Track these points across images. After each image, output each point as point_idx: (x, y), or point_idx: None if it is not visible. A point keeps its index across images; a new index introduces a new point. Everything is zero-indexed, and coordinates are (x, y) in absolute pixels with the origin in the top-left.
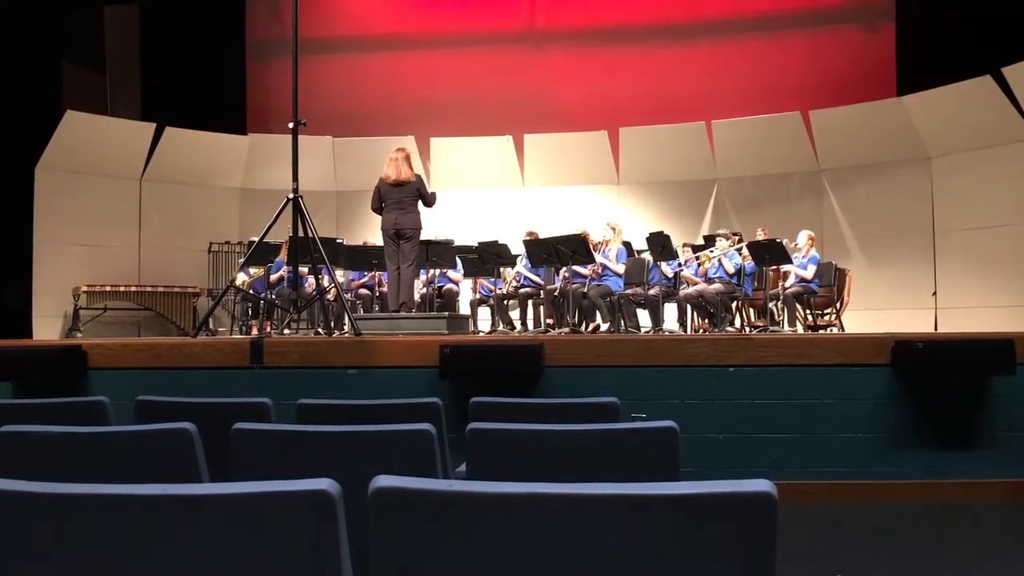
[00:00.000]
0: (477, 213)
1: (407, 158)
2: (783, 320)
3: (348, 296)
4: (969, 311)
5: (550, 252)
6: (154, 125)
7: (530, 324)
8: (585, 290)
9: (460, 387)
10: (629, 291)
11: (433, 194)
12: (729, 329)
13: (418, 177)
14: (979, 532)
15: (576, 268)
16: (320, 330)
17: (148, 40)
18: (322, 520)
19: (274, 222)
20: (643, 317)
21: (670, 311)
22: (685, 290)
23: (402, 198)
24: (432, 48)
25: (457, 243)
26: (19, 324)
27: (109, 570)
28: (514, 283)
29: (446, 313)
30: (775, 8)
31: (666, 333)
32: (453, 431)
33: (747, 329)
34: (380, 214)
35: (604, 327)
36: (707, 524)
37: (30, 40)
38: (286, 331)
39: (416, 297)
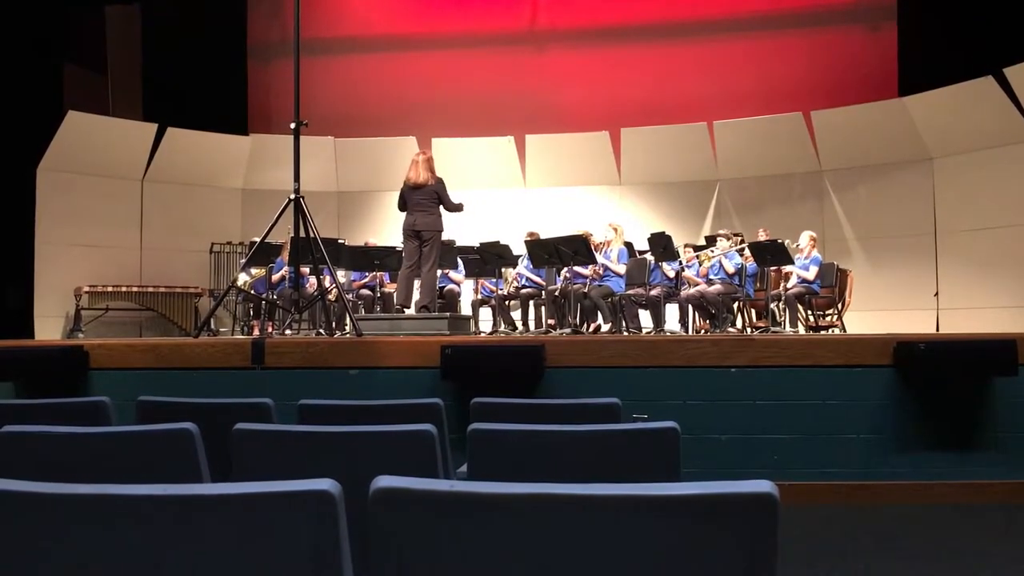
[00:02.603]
0: (479, 214)
1: (428, 161)
2: (784, 321)
3: (349, 297)
4: (971, 312)
5: (551, 253)
6: (155, 126)
7: (531, 325)
8: (586, 291)
9: (461, 388)
10: (630, 292)
11: (460, 205)
12: (731, 330)
13: (439, 180)
14: (981, 533)
15: (577, 269)
16: (321, 331)
17: (149, 41)
18: (323, 520)
19: (276, 222)
20: (644, 318)
21: (671, 312)
22: (686, 291)
23: (420, 200)
24: (434, 48)
25: (459, 244)
26: (21, 324)
27: (110, 571)
28: (515, 283)
29: (447, 314)
30: (776, 8)
31: (667, 334)
32: (454, 432)
33: (748, 330)
34: (401, 210)
35: (605, 328)
36: (709, 525)
37: (32, 41)
38: (287, 331)
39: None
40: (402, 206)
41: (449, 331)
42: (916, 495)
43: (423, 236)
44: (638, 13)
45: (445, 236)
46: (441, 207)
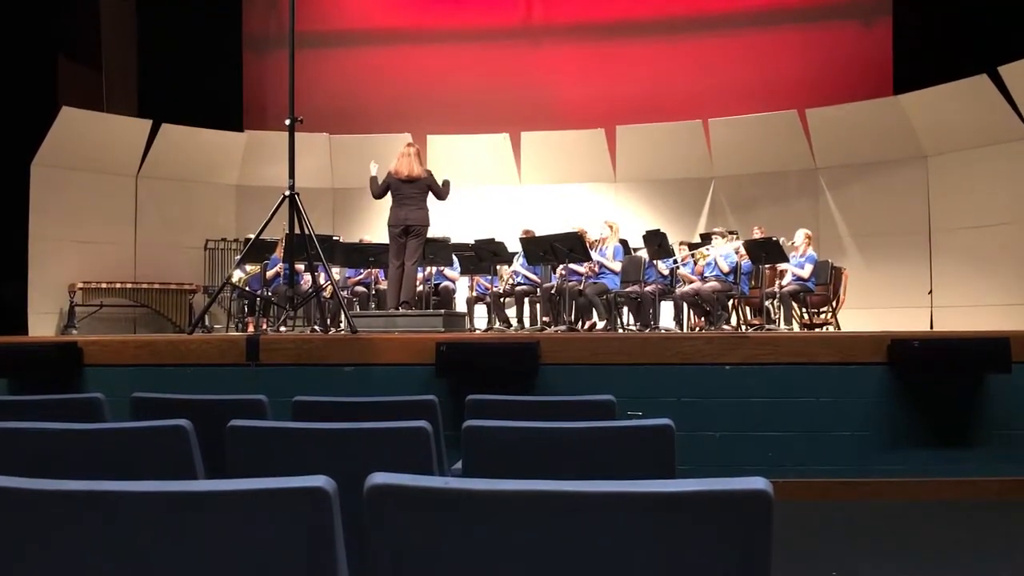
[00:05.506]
0: (474, 211)
1: (418, 153)
2: (779, 318)
3: (344, 293)
4: (965, 310)
5: (547, 250)
6: (150, 121)
7: (526, 322)
8: (581, 288)
9: (456, 384)
10: (626, 289)
11: (446, 183)
12: (725, 327)
13: (428, 172)
14: (974, 530)
15: (573, 266)
16: (316, 327)
17: (144, 35)
18: (318, 517)
19: (270, 219)
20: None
21: (666, 309)
22: (681, 288)
23: (413, 194)
24: (429, 44)
25: (454, 241)
26: (15, 320)
27: (104, 567)
28: (511, 281)
29: (443, 311)
30: (772, 5)
31: (662, 331)
32: (449, 428)
33: (743, 327)
34: (378, 199)
35: (600, 325)
36: (703, 522)
37: (26, 35)
38: (282, 328)
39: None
40: (381, 193)
41: (444, 328)
42: (910, 492)
43: (411, 231)
44: (633, 9)
45: (441, 232)
46: (431, 198)
